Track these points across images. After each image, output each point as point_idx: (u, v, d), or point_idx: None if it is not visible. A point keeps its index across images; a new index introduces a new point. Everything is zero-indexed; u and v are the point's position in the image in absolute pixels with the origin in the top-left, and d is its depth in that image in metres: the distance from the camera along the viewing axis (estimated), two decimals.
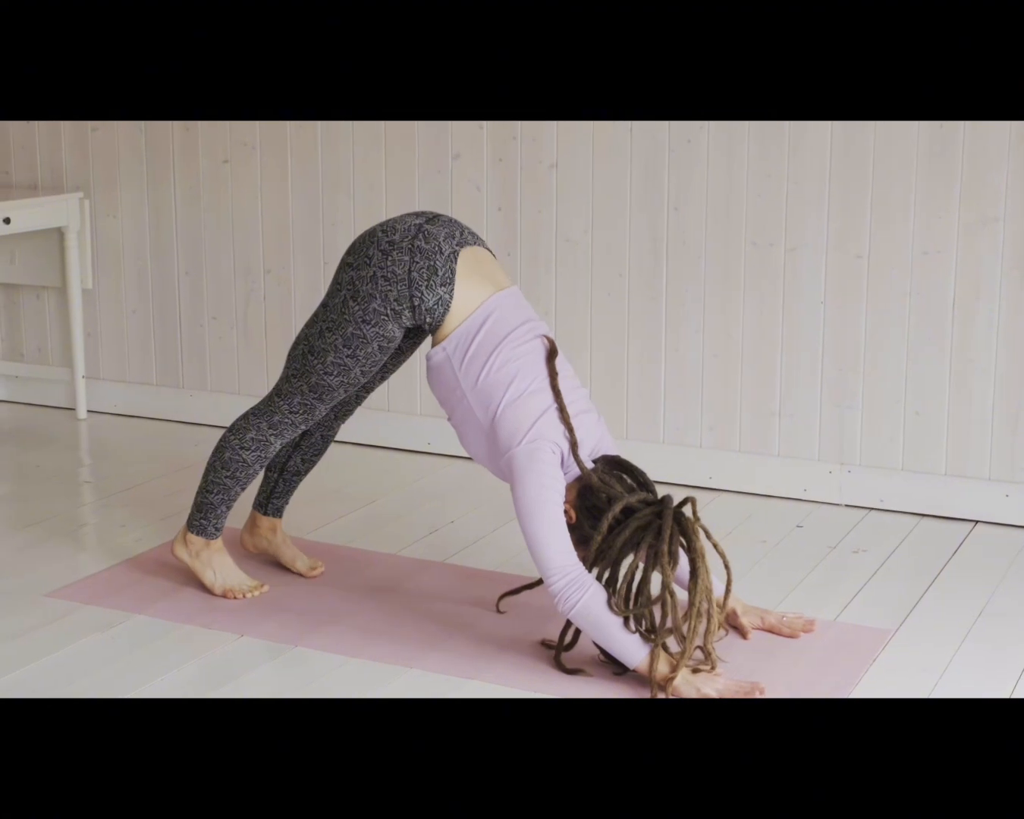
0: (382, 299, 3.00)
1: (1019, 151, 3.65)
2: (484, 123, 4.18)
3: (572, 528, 2.94)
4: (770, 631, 3.13)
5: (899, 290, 3.83)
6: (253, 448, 3.19)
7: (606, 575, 2.89)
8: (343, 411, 3.36)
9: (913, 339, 3.83)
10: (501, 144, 4.18)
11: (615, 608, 2.84)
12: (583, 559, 2.91)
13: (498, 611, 3.23)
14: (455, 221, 3.12)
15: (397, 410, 4.44)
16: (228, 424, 4.63)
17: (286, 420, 3.16)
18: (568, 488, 2.96)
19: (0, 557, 3.61)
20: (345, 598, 3.33)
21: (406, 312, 3.01)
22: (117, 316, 4.84)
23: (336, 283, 3.09)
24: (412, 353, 3.29)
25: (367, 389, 3.33)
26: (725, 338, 4.03)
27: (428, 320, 3.02)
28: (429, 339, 3.16)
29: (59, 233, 4.76)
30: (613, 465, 2.99)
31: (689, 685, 2.80)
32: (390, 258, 3.01)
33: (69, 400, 4.91)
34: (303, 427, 3.19)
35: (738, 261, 3.98)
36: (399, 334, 3.05)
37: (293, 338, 4.54)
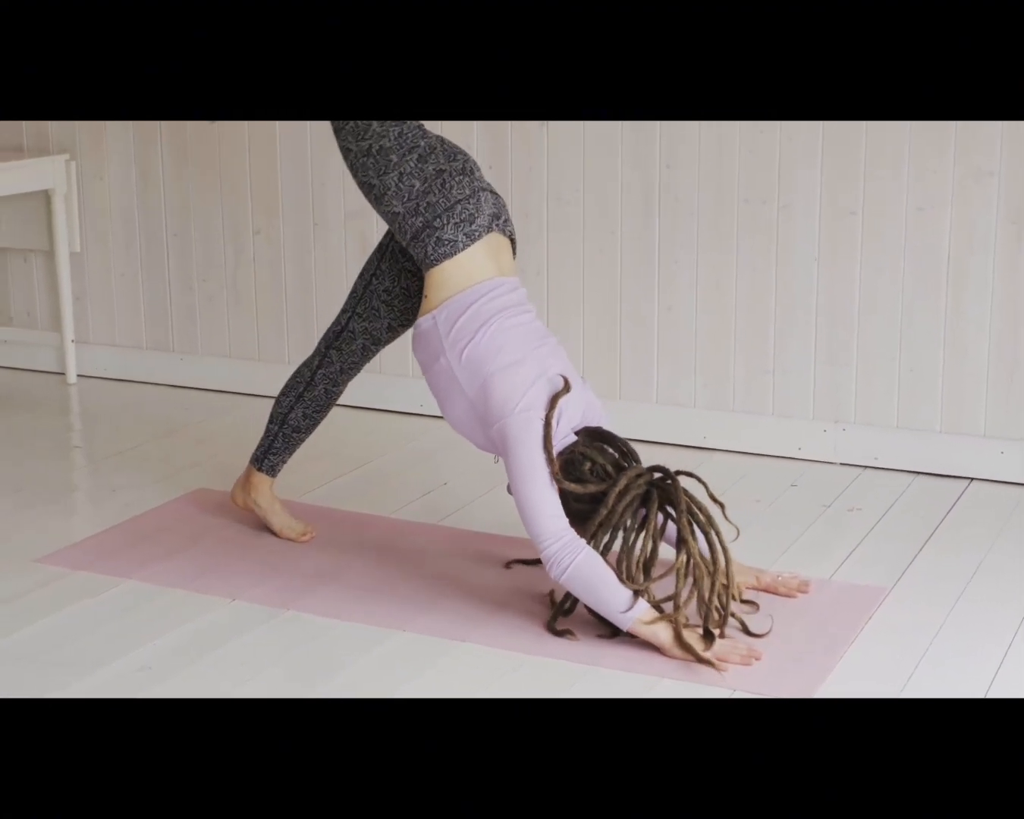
0: (422, 182, 3.02)
1: None
2: None
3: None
4: (765, 591, 3.11)
5: (893, 246, 3.80)
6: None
7: (604, 542, 2.89)
8: (349, 364, 3.32)
9: (907, 295, 3.81)
10: None
11: (624, 582, 2.83)
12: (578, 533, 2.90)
13: (506, 567, 3.24)
14: (504, 206, 3.15)
15: (389, 372, 4.41)
16: (219, 388, 4.64)
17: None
18: (559, 457, 2.94)
19: None
20: (338, 560, 3.31)
21: (419, 218, 3.01)
22: (105, 279, 4.80)
23: (420, 127, 3.11)
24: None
25: (376, 342, 3.30)
26: (718, 296, 4.00)
27: (429, 250, 3.00)
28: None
29: (46, 196, 4.72)
30: (595, 436, 2.98)
31: (684, 648, 2.78)
32: (467, 178, 3.05)
33: (59, 364, 4.87)
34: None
35: (731, 218, 3.94)
36: (391, 210, 3.05)
37: (284, 298, 4.54)
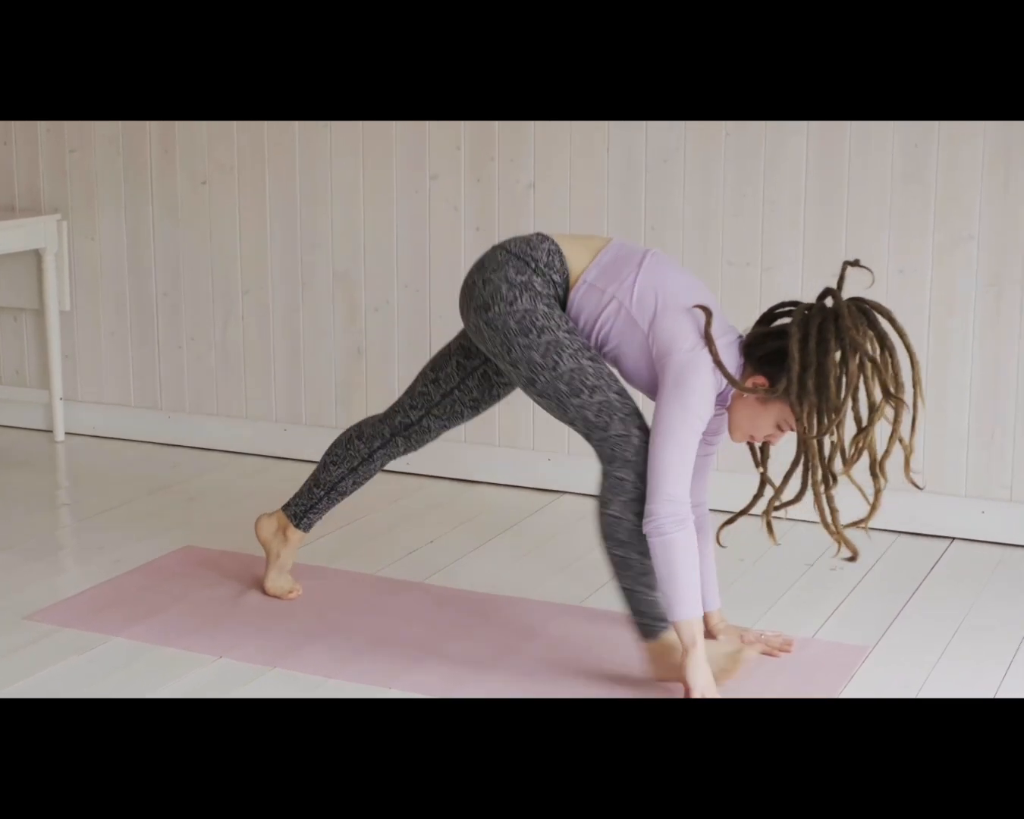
0: (508, 285, 2.98)
1: (992, 171, 3.68)
2: (461, 144, 4.19)
3: (770, 391, 2.90)
4: None
5: None
6: None
7: (810, 385, 2.86)
8: (416, 447, 3.32)
9: None
10: (479, 164, 4.19)
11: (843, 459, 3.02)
12: (798, 412, 2.90)
13: (719, 544, 3.19)
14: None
15: None
16: (207, 446, 4.67)
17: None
18: (744, 374, 2.95)
19: None
20: (324, 618, 3.33)
21: (530, 271, 3.00)
22: (95, 338, 4.83)
23: (477, 331, 3.03)
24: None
25: (449, 429, 3.30)
26: None
27: (551, 274, 3.00)
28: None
29: (37, 255, 4.75)
30: (761, 322, 3.04)
31: (681, 677, 2.85)
32: (487, 266, 3.02)
33: (47, 422, 4.89)
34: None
35: (715, 280, 3.99)
36: (542, 286, 2.99)
37: (271, 358, 4.57)
